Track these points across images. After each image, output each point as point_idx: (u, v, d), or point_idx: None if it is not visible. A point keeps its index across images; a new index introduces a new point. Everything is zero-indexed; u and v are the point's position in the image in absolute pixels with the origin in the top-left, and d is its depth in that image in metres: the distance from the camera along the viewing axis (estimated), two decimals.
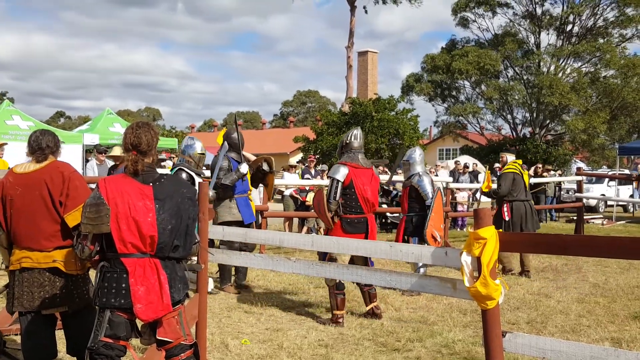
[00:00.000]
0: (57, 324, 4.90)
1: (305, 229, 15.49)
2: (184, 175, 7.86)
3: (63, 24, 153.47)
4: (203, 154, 8.34)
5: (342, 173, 7.16)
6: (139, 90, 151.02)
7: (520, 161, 11.09)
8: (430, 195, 8.89)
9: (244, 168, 8.44)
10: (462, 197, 18.19)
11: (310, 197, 15.26)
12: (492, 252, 3.59)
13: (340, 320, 7.01)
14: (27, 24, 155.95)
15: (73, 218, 4.52)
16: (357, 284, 7.18)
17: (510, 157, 11.01)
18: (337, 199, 7.11)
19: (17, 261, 4.64)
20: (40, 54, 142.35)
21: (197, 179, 7.82)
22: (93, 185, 5.06)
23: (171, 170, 8.24)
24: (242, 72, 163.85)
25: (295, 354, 5.90)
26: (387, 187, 12.21)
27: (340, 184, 7.12)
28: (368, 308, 7.33)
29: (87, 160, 17.78)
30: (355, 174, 7.19)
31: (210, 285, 7.91)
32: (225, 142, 8.55)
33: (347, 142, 7.37)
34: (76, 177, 4.75)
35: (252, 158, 9.14)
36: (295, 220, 16.17)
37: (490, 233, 3.60)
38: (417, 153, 9.45)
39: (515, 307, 7.81)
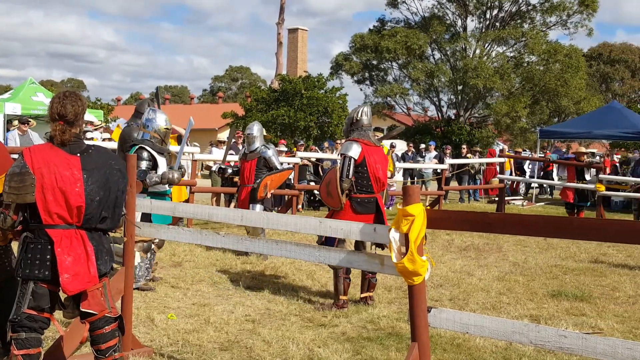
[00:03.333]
0: None
1: (232, 204, 15.40)
2: (144, 154, 7.07)
3: None
4: (168, 128, 7.53)
5: (355, 150, 6.83)
6: (65, 60, 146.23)
7: None
8: (278, 165, 9.84)
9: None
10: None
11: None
12: (420, 229, 3.66)
13: (346, 305, 6.77)
14: None
15: None
16: (362, 270, 6.82)
17: None
18: (350, 177, 6.78)
19: None
20: None
21: (160, 159, 7.20)
22: (15, 156, 4.92)
23: (130, 149, 7.28)
24: (172, 45, 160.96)
25: (222, 329, 5.90)
26: (223, 166, 11.77)
27: (353, 161, 6.80)
28: (362, 295, 7.07)
29: (8, 130, 17.14)
30: (367, 151, 6.88)
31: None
32: (191, 119, 8.16)
33: (357, 118, 7.00)
34: None
35: (182, 131, 8.96)
36: (222, 196, 16.07)
37: (418, 210, 3.67)
38: (255, 128, 9.96)
39: (438, 284, 8.00)
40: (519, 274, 8.82)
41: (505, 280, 8.34)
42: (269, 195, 9.62)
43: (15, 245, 4.21)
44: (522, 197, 21.80)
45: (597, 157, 19.71)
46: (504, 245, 11.21)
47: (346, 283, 6.82)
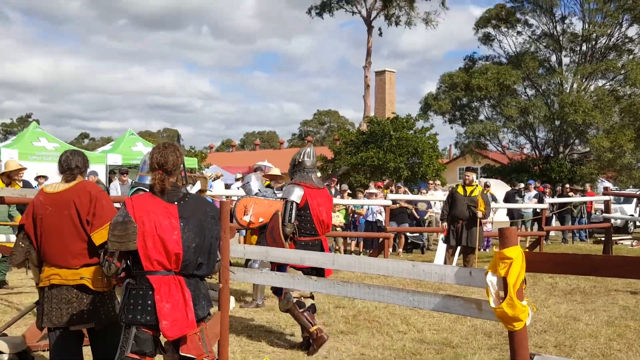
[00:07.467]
0: (84, 340, 4.94)
1: None
2: None
3: (92, 47, 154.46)
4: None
5: (297, 194, 6.85)
6: (162, 111, 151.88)
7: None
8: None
9: (191, 189, 8.23)
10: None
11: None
12: (519, 273, 3.56)
13: (323, 333, 6.63)
14: (57, 47, 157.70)
15: (99, 236, 4.58)
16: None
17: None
18: (292, 221, 6.77)
19: (47, 278, 4.72)
20: (69, 77, 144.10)
21: None
22: (117, 205, 5.15)
23: (130, 190, 7.33)
24: (263, 92, 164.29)
25: None
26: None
27: (295, 205, 6.79)
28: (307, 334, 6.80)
29: (110, 181, 17.99)
30: (310, 194, 6.89)
31: (232, 304, 7.91)
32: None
33: (300, 160, 7.04)
34: (103, 196, 4.83)
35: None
36: None
37: (516, 253, 3.57)
38: (253, 177, 9.73)
39: (542, 330, 7.69)
40: (630, 318, 8.36)
41: (616, 326, 7.91)
42: (252, 219, 8.44)
43: (118, 291, 4.36)
44: (630, 237, 20.77)
45: None
46: (613, 288, 10.68)
47: (307, 315, 6.70)
